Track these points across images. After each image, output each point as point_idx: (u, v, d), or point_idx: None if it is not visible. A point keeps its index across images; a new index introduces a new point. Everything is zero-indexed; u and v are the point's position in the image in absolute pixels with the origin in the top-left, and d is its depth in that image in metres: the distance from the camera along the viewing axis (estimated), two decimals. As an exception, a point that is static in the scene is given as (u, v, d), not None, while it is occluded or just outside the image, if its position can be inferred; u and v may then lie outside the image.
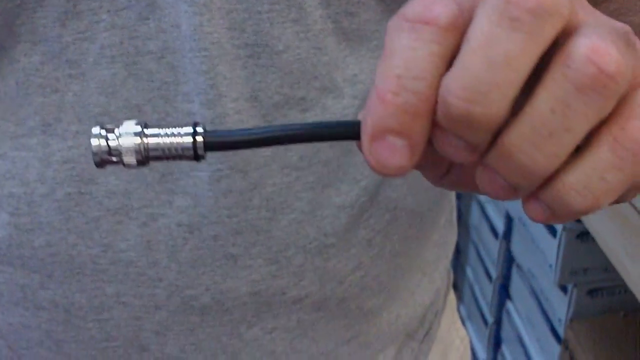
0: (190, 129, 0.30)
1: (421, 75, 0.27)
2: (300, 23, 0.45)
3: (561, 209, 0.28)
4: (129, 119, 0.44)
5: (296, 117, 0.47)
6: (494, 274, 1.59)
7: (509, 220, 1.49)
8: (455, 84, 0.26)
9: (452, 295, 0.69)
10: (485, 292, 1.66)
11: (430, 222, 0.58)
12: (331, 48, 0.46)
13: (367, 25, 0.48)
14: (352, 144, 0.47)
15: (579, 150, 0.28)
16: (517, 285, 1.49)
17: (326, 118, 0.47)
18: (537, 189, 0.29)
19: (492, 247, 1.59)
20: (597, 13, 0.29)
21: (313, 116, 0.47)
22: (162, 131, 0.30)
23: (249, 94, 0.45)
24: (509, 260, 1.52)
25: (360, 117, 0.29)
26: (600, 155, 0.27)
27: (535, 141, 0.27)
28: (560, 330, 1.28)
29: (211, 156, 0.44)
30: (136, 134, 0.30)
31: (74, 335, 0.50)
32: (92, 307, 0.49)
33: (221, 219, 0.47)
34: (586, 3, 0.29)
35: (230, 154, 0.46)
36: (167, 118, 0.45)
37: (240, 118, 0.45)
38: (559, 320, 1.28)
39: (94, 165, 0.44)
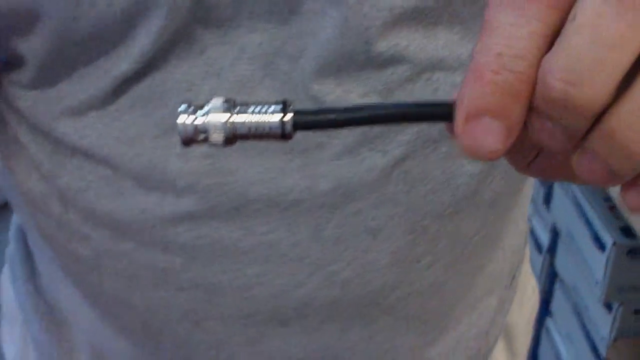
0: (279, 107, 0.29)
1: (522, 54, 0.26)
2: (417, 20, 0.46)
3: None
4: None
5: (429, 98, 0.47)
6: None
7: (554, 234, 1.46)
8: (558, 64, 0.25)
9: (527, 246, 0.72)
10: (525, 307, 1.62)
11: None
12: (443, 34, 0.47)
13: (480, 10, 0.48)
14: None
15: None
16: (559, 301, 1.45)
17: None
18: None
19: (536, 261, 1.56)
20: None
21: (444, 94, 0.47)
22: (250, 109, 0.29)
23: (379, 88, 0.46)
24: (552, 275, 1.49)
25: (455, 97, 0.28)
26: None
27: None
28: (602, 349, 1.24)
29: (347, 134, 0.45)
30: (225, 110, 0.29)
31: (214, 313, 0.52)
32: (234, 287, 0.50)
33: (363, 195, 0.48)
34: None
35: (371, 136, 0.47)
36: None
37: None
38: (602, 338, 1.25)
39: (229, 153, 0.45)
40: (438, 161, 0.50)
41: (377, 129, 0.48)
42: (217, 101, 0.29)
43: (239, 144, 0.30)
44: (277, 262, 0.50)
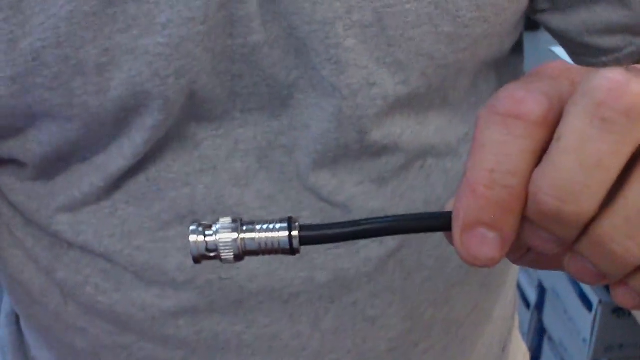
0: (285, 224, 0.31)
1: (513, 171, 0.27)
2: (409, 107, 0.47)
3: None
4: (263, 207, 0.47)
5: (421, 185, 0.49)
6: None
7: (541, 291, 1.47)
8: (547, 182, 0.26)
9: (516, 314, 0.72)
10: (514, 363, 1.62)
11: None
12: (433, 118, 0.49)
13: (466, 88, 0.50)
14: None
15: None
16: (548, 357, 1.46)
17: (450, 179, 0.49)
18: (628, 275, 0.28)
19: (524, 318, 1.57)
20: None
21: (437, 180, 0.49)
22: (258, 226, 0.31)
23: (374, 177, 0.48)
24: (540, 332, 1.49)
25: (448, 207, 0.30)
26: None
27: (628, 231, 0.26)
28: (592, 407, 1.24)
29: None
30: (233, 230, 0.31)
31: None
32: None
33: (360, 286, 0.49)
34: None
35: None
36: (300, 205, 0.47)
37: (369, 197, 0.48)
38: (592, 396, 1.25)
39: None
40: (432, 249, 0.51)
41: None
42: (225, 220, 0.31)
43: None
44: (279, 354, 0.50)
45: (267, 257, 0.47)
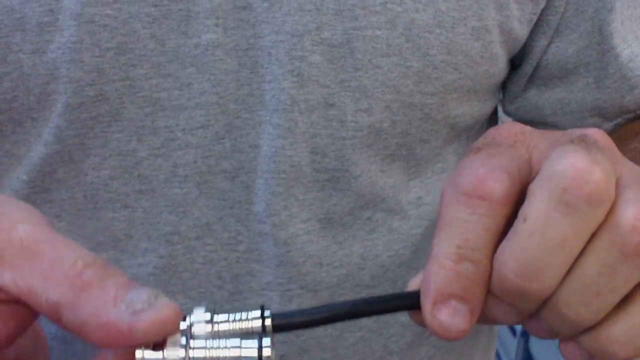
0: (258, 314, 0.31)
1: (479, 247, 0.29)
2: (374, 148, 0.46)
3: (601, 356, 0.30)
4: (199, 237, 0.45)
5: (364, 237, 0.48)
6: (511, 372, 1.55)
7: (527, 318, 1.46)
8: (512, 261, 0.28)
9: None
10: (502, 391, 1.61)
11: (484, 331, 0.59)
12: (397, 172, 0.48)
13: (435, 150, 0.49)
14: (418, 260, 0.49)
15: (623, 301, 0.29)
16: (535, 385, 1.45)
17: (393, 239, 0.48)
18: (577, 335, 0.30)
19: (510, 345, 1.56)
20: (630, 164, 0.31)
21: (380, 236, 0.48)
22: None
23: (321, 215, 0.47)
24: (527, 359, 1.48)
25: (412, 286, 0.31)
26: None
27: (582, 299, 0.28)
28: None
29: (283, 276, 0.46)
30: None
31: None
32: None
33: (289, 338, 0.48)
34: (620, 156, 0.31)
35: (302, 273, 0.46)
36: (238, 237, 0.46)
37: (310, 239, 0.46)
38: None
39: (163, 285, 0.45)
40: None
41: (304, 267, 0.47)
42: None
43: None
44: None
45: (196, 293, 0.46)
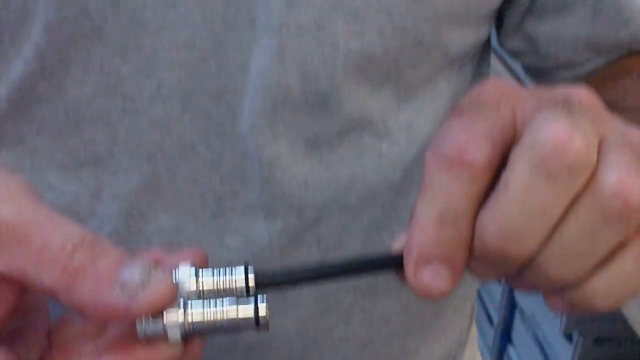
0: (242, 270, 0.32)
1: (460, 213, 0.29)
2: (365, 72, 0.46)
3: (583, 307, 0.31)
4: (182, 156, 0.45)
5: (352, 160, 0.47)
6: (495, 318, 1.57)
7: (512, 265, 1.48)
8: (494, 226, 0.28)
9: (473, 328, 0.70)
10: (487, 337, 1.63)
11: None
12: (387, 96, 0.47)
13: (426, 76, 0.49)
14: (408, 185, 0.49)
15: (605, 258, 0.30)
16: (519, 330, 1.47)
17: (382, 163, 0.48)
18: (559, 289, 0.31)
19: (495, 292, 1.58)
20: (616, 121, 0.31)
21: (368, 160, 0.48)
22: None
23: (307, 137, 0.46)
24: (511, 306, 1.50)
25: (396, 247, 0.32)
26: (625, 265, 0.29)
27: (563, 260, 0.29)
28: (565, 379, 1.26)
29: (267, 196, 0.45)
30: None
31: None
32: None
33: (273, 258, 0.47)
34: (605, 115, 0.30)
35: (288, 193, 0.46)
36: (222, 156, 0.45)
37: (295, 160, 0.46)
38: (564, 368, 1.26)
39: (145, 203, 0.44)
40: (358, 232, 0.49)
41: (290, 187, 0.46)
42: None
43: None
44: None
45: (179, 212, 0.46)
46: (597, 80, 0.56)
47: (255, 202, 0.46)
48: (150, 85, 0.44)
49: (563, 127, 0.28)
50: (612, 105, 0.33)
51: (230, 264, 0.46)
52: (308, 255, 0.48)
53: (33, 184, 0.45)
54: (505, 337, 1.53)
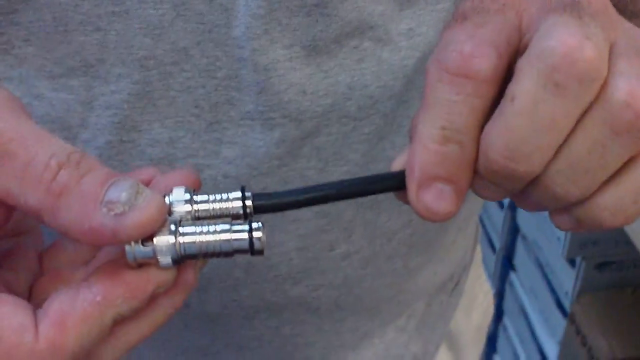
0: (239, 194, 0.31)
1: (464, 129, 0.28)
2: None
3: (591, 224, 0.30)
4: (175, 62, 0.43)
5: (351, 67, 0.46)
6: (497, 244, 1.56)
7: (515, 190, 1.46)
8: (500, 143, 0.28)
9: (478, 249, 0.70)
10: (488, 263, 1.63)
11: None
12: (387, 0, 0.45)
13: None
14: (409, 94, 0.48)
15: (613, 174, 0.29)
16: (521, 256, 1.46)
17: (382, 70, 0.47)
18: (566, 207, 0.30)
19: (497, 217, 1.57)
20: (627, 26, 0.29)
21: (368, 66, 0.46)
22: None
23: (305, 42, 0.44)
24: (514, 231, 1.49)
25: (397, 166, 0.31)
26: (635, 181, 0.29)
27: (571, 177, 0.28)
28: (567, 304, 1.25)
29: (264, 104, 0.44)
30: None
31: None
32: None
33: (271, 170, 0.46)
34: (616, 18, 0.29)
35: (284, 101, 0.44)
36: (217, 62, 0.43)
37: (292, 65, 0.44)
38: (566, 293, 1.25)
39: (138, 113, 0.43)
40: (357, 143, 0.47)
41: (287, 95, 0.44)
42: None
43: None
44: None
45: (174, 122, 0.44)
46: None
47: (252, 111, 0.44)
48: None
49: (573, 34, 0.26)
50: (622, 10, 0.31)
51: (227, 176, 0.44)
52: (307, 167, 0.47)
53: (21, 95, 0.42)
54: (508, 263, 1.53)
